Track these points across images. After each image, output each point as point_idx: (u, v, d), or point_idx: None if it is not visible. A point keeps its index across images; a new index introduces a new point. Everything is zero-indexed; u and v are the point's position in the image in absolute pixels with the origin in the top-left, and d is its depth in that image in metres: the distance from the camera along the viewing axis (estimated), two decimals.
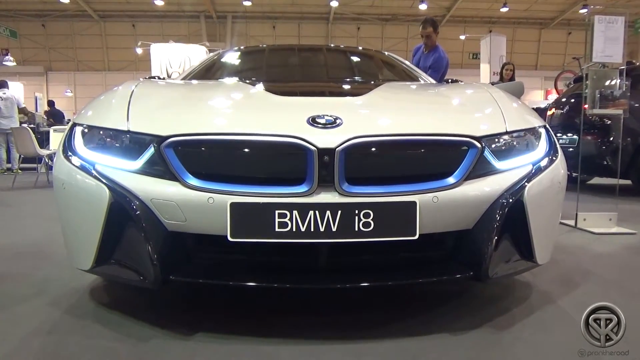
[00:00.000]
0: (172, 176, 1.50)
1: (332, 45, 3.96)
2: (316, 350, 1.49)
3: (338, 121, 1.53)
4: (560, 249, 2.77)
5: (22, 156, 7.93)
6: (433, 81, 3.09)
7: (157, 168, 1.53)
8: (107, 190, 1.52)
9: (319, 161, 1.43)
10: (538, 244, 1.68)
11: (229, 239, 1.43)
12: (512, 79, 6.62)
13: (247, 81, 2.37)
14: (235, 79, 2.55)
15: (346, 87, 2.44)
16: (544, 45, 26.18)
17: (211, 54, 3.68)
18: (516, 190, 1.61)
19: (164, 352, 1.48)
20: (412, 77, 3.13)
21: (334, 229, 1.42)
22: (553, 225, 1.83)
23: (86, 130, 1.74)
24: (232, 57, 3.43)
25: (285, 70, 3.25)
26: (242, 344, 1.53)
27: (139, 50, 18.73)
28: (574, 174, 5.51)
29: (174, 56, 13.53)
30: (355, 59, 3.54)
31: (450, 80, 3.08)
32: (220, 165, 1.52)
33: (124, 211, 1.50)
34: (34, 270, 2.38)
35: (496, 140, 1.67)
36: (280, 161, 1.51)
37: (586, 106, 4.03)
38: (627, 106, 3.70)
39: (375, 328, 1.64)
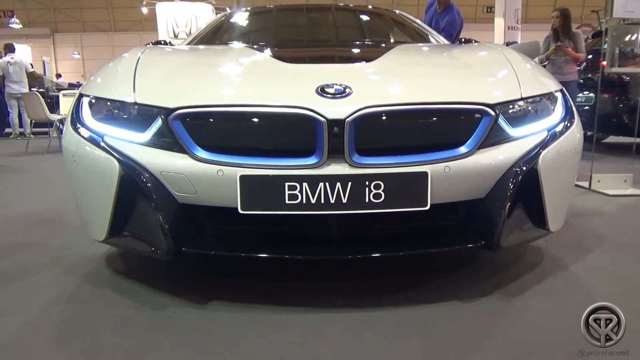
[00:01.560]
0: (180, 148, 1.49)
1: (341, 4, 3.82)
2: (328, 318, 1.51)
3: (347, 90, 1.49)
4: (574, 212, 2.75)
5: (33, 121, 7.96)
6: (446, 41, 2.99)
7: (166, 140, 1.52)
8: (117, 164, 1.52)
9: (328, 132, 1.40)
10: (551, 212, 1.66)
11: (240, 211, 1.43)
12: (564, 25, 5.22)
13: (255, 46, 2.32)
14: (242, 45, 2.47)
15: (356, 51, 2.37)
16: None
17: (218, 16, 3.59)
18: (530, 158, 1.58)
19: (180, 320, 1.51)
20: (423, 37, 3.03)
21: (344, 201, 1.41)
22: (567, 192, 1.81)
23: (93, 101, 1.72)
24: (238, 20, 3.35)
25: (294, 32, 3.17)
26: (256, 312, 1.56)
27: (145, 10, 18.40)
28: (589, 133, 5.41)
29: (180, 15, 13.30)
30: (365, 19, 3.43)
31: (463, 40, 2.99)
32: (229, 137, 1.51)
33: (134, 184, 1.51)
34: (50, 238, 2.43)
35: (511, 106, 1.62)
36: (289, 133, 1.49)
37: (604, 63, 3.90)
38: None
39: (387, 295, 1.66)
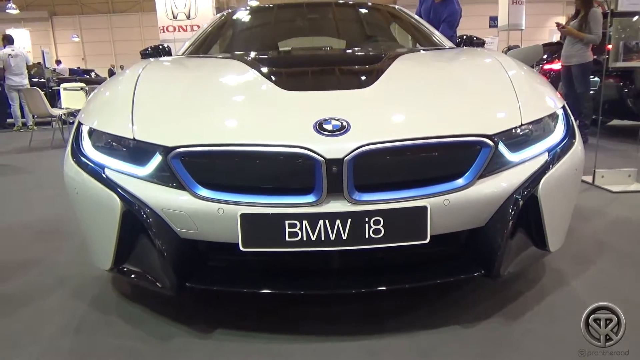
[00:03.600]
0: (180, 186, 1.49)
1: (341, 1, 3.77)
2: (331, 348, 1.54)
3: (345, 125, 1.48)
4: (576, 212, 2.70)
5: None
6: (445, 41, 2.96)
7: (166, 175, 1.52)
8: (118, 200, 1.53)
9: (327, 171, 1.40)
10: (551, 233, 1.67)
11: (241, 248, 1.44)
12: (585, 2, 5.00)
13: (250, 58, 2.27)
14: (241, 59, 2.33)
15: (355, 68, 2.30)
16: None
17: (217, 15, 3.54)
18: (531, 184, 1.57)
19: (185, 351, 1.55)
20: (422, 34, 3.04)
21: (344, 237, 1.42)
22: (568, 211, 1.81)
23: (93, 129, 1.73)
24: (238, 22, 3.32)
25: (294, 34, 3.15)
26: (258, 341, 1.59)
27: None
28: (594, 116, 5.36)
29: None
30: (365, 16, 3.42)
31: (464, 37, 2.94)
32: (228, 175, 1.51)
33: (136, 220, 1.52)
34: (56, 254, 2.46)
35: (511, 132, 1.61)
36: (288, 171, 1.49)
37: (609, 46, 3.84)
38: None
39: (388, 321, 1.68)
